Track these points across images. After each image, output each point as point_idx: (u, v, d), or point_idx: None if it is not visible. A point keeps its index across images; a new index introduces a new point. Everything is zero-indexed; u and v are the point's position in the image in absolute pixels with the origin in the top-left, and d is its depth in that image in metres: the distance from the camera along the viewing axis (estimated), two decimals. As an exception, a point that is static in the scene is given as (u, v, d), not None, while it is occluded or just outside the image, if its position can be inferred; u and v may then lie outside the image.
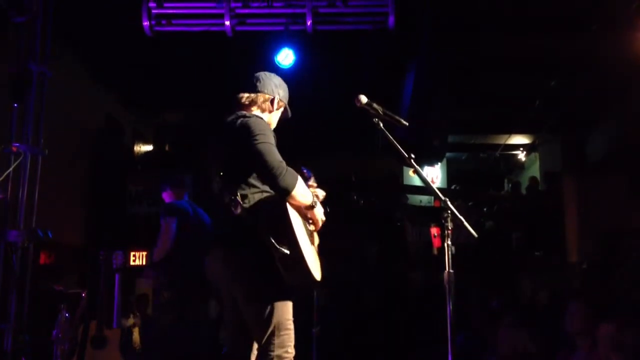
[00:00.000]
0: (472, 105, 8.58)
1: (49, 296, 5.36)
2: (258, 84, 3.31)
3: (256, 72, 3.43)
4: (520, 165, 13.17)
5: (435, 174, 11.91)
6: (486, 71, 7.56)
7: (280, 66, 6.22)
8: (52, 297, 5.11)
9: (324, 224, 3.22)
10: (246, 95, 3.28)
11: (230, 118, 3.15)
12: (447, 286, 2.90)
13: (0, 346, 4.78)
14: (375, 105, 3.19)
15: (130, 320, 5.69)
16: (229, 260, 2.93)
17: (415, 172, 3.23)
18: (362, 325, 5.71)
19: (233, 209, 2.86)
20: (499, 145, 12.26)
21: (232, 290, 2.96)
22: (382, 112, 3.18)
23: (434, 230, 6.14)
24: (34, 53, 5.96)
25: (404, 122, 3.23)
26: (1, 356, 4.79)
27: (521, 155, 12.77)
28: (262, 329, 2.89)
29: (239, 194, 2.90)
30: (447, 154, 9.59)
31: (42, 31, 6.04)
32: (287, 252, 2.79)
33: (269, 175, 2.88)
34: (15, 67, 5.80)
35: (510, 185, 12.58)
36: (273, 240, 2.77)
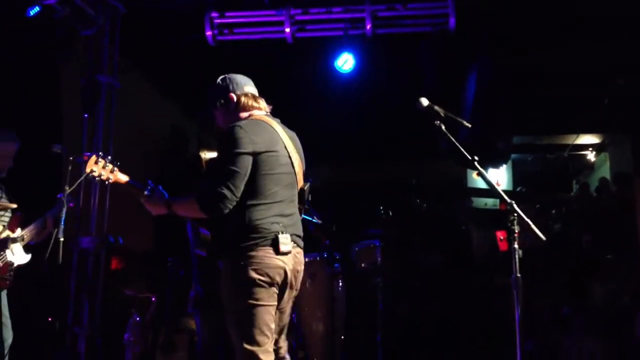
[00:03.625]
0: (537, 105, 8.38)
1: (120, 301, 5.52)
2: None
3: (313, 78, 3.50)
4: (590, 166, 12.76)
5: (500, 176, 11.69)
6: (552, 70, 7.37)
7: (340, 71, 6.24)
8: (124, 301, 5.26)
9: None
10: None
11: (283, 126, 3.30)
12: (514, 291, 2.84)
13: (74, 349, 4.95)
14: (436, 107, 3.16)
15: None
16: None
17: (479, 174, 3.18)
18: (426, 331, 5.65)
19: None
20: (566, 146, 11.92)
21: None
22: (444, 114, 3.15)
23: (500, 234, 6.02)
24: (102, 65, 6.17)
25: (467, 124, 3.19)
26: (75, 359, 4.95)
27: (590, 156, 12.38)
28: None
29: None
30: (513, 156, 9.37)
31: (110, 44, 6.24)
32: None
33: None
34: (84, 79, 6.03)
35: (578, 186, 12.22)
36: None
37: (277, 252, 3.04)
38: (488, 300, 5.90)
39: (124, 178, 3.31)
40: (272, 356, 3.06)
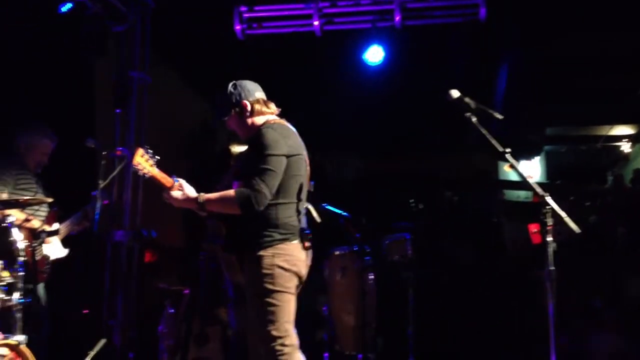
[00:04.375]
0: (571, 96, 8.26)
1: (153, 293, 5.59)
2: None
3: (341, 71, 3.61)
4: (624, 157, 12.53)
5: (533, 169, 11.55)
6: (585, 59, 7.26)
7: (369, 64, 6.21)
8: (157, 294, 5.33)
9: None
10: None
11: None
12: (547, 284, 2.82)
13: (110, 341, 5.03)
14: (467, 99, 3.14)
15: None
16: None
17: (511, 166, 3.16)
18: (458, 324, 5.62)
19: None
20: (600, 137, 11.72)
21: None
22: (475, 106, 3.14)
23: (533, 227, 5.95)
24: (134, 61, 6.24)
25: (498, 116, 3.17)
26: (110, 351, 5.03)
27: (625, 147, 12.15)
28: None
29: None
30: (546, 147, 9.26)
31: (141, 39, 6.31)
32: None
33: None
34: (116, 75, 6.11)
35: (613, 178, 12.01)
36: None
37: (303, 247, 3.32)
38: (521, 294, 5.84)
39: (159, 173, 3.42)
40: (296, 342, 3.24)
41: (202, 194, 3.33)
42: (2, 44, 5.20)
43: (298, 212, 3.36)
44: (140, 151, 3.38)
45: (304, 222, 3.41)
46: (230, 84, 3.48)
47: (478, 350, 5.46)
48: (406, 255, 5.14)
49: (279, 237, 3.24)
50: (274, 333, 3.15)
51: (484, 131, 3.10)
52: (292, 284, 3.26)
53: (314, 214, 3.67)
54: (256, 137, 3.28)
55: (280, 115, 3.51)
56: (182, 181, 3.38)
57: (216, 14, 6.25)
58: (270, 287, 3.18)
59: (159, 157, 3.43)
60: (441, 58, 6.49)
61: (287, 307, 3.21)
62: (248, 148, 3.42)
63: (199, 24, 6.44)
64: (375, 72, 6.39)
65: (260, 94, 3.49)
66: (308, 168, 3.49)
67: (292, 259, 3.24)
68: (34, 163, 4.75)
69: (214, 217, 3.42)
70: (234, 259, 3.49)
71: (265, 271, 3.19)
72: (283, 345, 3.16)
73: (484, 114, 3.16)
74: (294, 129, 3.46)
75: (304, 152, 3.45)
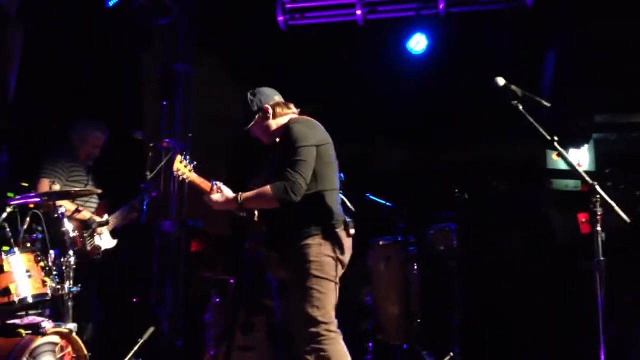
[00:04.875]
0: (621, 81, 8.02)
1: (200, 282, 5.68)
2: None
3: (384, 60, 3.71)
4: (678, 144, 12.15)
5: (581, 157, 11.29)
6: (636, 43, 7.03)
7: (412, 52, 6.15)
8: (203, 283, 5.41)
9: None
10: None
11: None
12: (596, 275, 2.77)
13: (158, 329, 5.14)
14: (513, 87, 3.09)
15: None
16: None
17: (559, 155, 3.09)
18: (504, 316, 5.54)
19: None
20: (652, 123, 11.38)
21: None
22: (521, 93, 3.08)
23: (582, 216, 5.83)
24: (178, 53, 6.32)
25: (545, 103, 3.11)
26: (159, 338, 5.14)
27: (678, 133, 11.78)
28: None
29: None
30: (595, 135, 9.03)
31: (186, 32, 6.39)
32: None
33: None
34: (162, 67, 6.20)
35: (666, 165, 11.67)
36: None
37: (348, 234, 3.38)
38: (569, 284, 5.74)
39: (197, 178, 3.57)
40: (337, 328, 3.28)
41: (240, 193, 3.41)
42: (53, 39, 5.33)
43: (337, 201, 3.44)
44: (179, 157, 3.54)
45: (341, 210, 3.47)
46: (249, 92, 3.59)
47: (525, 342, 5.38)
48: (451, 246, 5.09)
49: (325, 225, 3.29)
50: (320, 318, 3.19)
51: (530, 119, 3.04)
52: (337, 272, 3.31)
53: (348, 204, 3.70)
54: (284, 134, 3.39)
55: (301, 112, 3.61)
56: (220, 184, 3.49)
57: (259, 5, 6.28)
58: (317, 274, 3.24)
59: (196, 162, 3.58)
60: (486, 45, 6.38)
61: (332, 295, 3.26)
62: (279, 145, 3.51)
63: (242, 15, 6.48)
64: (418, 61, 6.33)
65: (278, 97, 3.59)
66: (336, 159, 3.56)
67: (337, 246, 3.30)
68: (85, 155, 4.87)
69: (254, 217, 3.50)
70: (275, 255, 3.53)
71: (312, 259, 3.25)
72: (328, 330, 3.20)
73: (531, 102, 3.10)
74: (318, 123, 3.53)
75: (331, 142, 3.52)
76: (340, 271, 3.35)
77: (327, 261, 3.25)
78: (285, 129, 3.42)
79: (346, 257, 3.37)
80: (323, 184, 3.34)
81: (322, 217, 3.31)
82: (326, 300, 3.23)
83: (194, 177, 3.54)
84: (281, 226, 3.37)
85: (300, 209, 3.27)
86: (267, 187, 3.29)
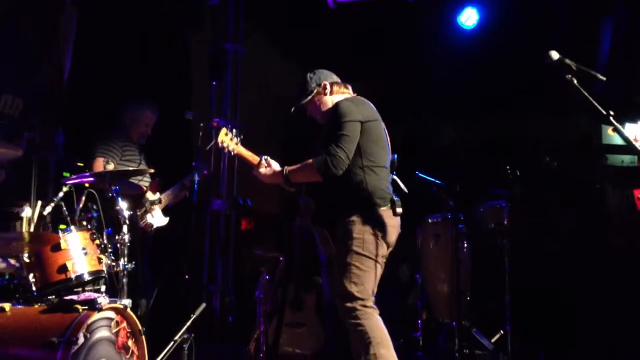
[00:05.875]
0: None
1: (251, 260, 5.76)
2: None
3: (435, 36, 3.65)
4: None
5: (638, 132, 10.95)
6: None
7: (464, 27, 6.04)
8: (254, 260, 5.48)
9: None
10: None
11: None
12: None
13: (210, 305, 5.24)
14: (567, 60, 3.00)
15: None
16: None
17: (615, 130, 3.00)
18: (557, 295, 5.45)
19: None
20: None
21: None
22: (576, 67, 2.99)
23: (639, 192, 5.67)
24: (229, 33, 6.36)
25: (601, 77, 3.01)
26: (210, 314, 5.24)
27: None
28: None
29: None
30: (653, 110, 8.73)
31: (235, 12, 6.41)
32: None
33: None
34: (212, 47, 6.25)
35: None
36: None
37: (395, 213, 3.34)
38: (625, 264, 5.59)
39: (245, 151, 3.60)
40: (374, 304, 3.29)
41: (285, 167, 3.45)
42: (105, 23, 5.43)
43: (387, 179, 3.42)
44: (224, 130, 3.58)
45: (391, 189, 3.44)
46: (309, 72, 3.62)
47: (576, 321, 5.29)
48: (502, 223, 5.01)
49: (370, 202, 3.28)
50: (357, 294, 3.21)
51: (585, 94, 2.95)
52: (380, 251, 3.29)
53: (401, 185, 3.66)
54: (332, 110, 3.42)
55: (357, 93, 3.62)
56: (269, 158, 3.53)
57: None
58: (358, 250, 3.24)
59: (242, 137, 3.60)
60: (539, 18, 6.21)
61: (373, 273, 3.26)
62: (328, 123, 3.51)
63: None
64: (470, 36, 6.22)
65: (336, 78, 3.63)
66: (388, 139, 3.53)
67: (383, 225, 3.28)
68: (137, 134, 4.98)
69: (303, 196, 3.51)
70: (325, 232, 3.54)
71: (355, 235, 3.25)
72: (364, 306, 3.22)
73: (586, 76, 3.01)
74: (368, 102, 3.54)
75: (381, 121, 3.51)
76: (385, 249, 3.33)
77: (369, 239, 3.24)
78: (334, 106, 3.45)
79: (392, 236, 3.35)
80: (369, 160, 3.33)
81: (367, 194, 3.29)
82: (365, 277, 3.23)
83: (241, 149, 3.58)
84: (327, 202, 3.38)
85: (345, 185, 3.29)
86: (310, 161, 3.33)
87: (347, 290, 3.22)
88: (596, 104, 2.92)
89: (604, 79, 3.00)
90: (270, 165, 3.50)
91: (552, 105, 6.02)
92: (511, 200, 5.07)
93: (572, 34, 5.74)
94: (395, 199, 3.36)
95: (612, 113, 2.91)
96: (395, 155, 3.59)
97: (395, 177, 3.62)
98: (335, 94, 3.56)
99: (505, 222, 5.00)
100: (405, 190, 3.64)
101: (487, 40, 6.21)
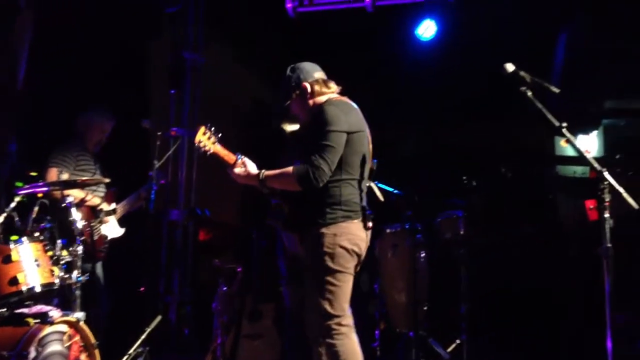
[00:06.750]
0: (632, 66, 7.92)
1: (208, 270, 5.69)
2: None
3: (394, 47, 3.57)
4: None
5: (590, 143, 11.20)
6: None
7: (421, 39, 6.11)
8: (211, 271, 5.42)
9: None
10: None
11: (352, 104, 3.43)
12: (604, 261, 2.75)
13: (166, 318, 5.17)
14: (522, 73, 3.06)
15: None
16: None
17: (568, 141, 3.06)
18: (512, 303, 5.53)
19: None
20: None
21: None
22: (530, 79, 3.05)
23: (590, 203, 5.79)
24: (187, 42, 6.31)
25: (554, 89, 3.08)
26: (166, 327, 5.16)
27: (691, 119, 11.65)
28: None
29: None
30: (604, 121, 8.94)
31: (194, 20, 6.37)
32: None
33: None
34: (171, 56, 6.20)
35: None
36: None
37: (365, 226, 3.28)
38: (577, 271, 5.71)
39: (221, 150, 3.43)
40: (351, 322, 3.23)
41: (263, 170, 3.34)
42: (61, 29, 5.33)
43: (360, 189, 3.31)
44: (203, 129, 3.40)
45: (365, 201, 3.36)
46: (289, 68, 3.46)
47: (531, 329, 5.37)
48: (458, 233, 5.08)
49: (342, 215, 3.19)
50: (331, 311, 3.13)
51: (539, 105, 3.01)
52: (352, 264, 3.23)
53: (377, 192, 3.62)
54: (317, 114, 3.25)
55: (341, 93, 3.47)
56: (245, 158, 3.39)
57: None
58: (330, 265, 3.15)
59: (221, 134, 3.43)
60: (497, 29, 6.33)
61: (346, 287, 3.19)
62: (309, 125, 3.37)
63: (251, 2, 6.45)
64: (427, 47, 6.29)
65: (319, 74, 3.45)
66: (370, 146, 3.44)
67: (354, 238, 3.20)
68: (92, 143, 4.88)
69: (276, 197, 3.41)
70: (296, 238, 3.46)
71: (326, 249, 3.16)
72: (340, 324, 3.14)
73: (540, 88, 3.07)
74: (356, 106, 3.42)
75: (367, 129, 3.40)
76: (356, 262, 3.26)
77: (342, 253, 3.16)
78: (319, 108, 3.28)
79: (362, 249, 3.28)
80: (348, 173, 3.24)
81: (340, 206, 3.20)
82: (339, 292, 3.16)
83: (217, 148, 3.40)
84: (302, 211, 3.27)
85: (320, 195, 3.19)
86: (290, 169, 3.19)
87: (321, 307, 3.14)
88: (549, 116, 2.98)
89: (558, 91, 3.07)
90: (246, 166, 3.37)
91: (510, 115, 6.13)
92: (467, 210, 5.14)
93: (529, 44, 5.86)
94: (368, 212, 3.29)
95: (565, 124, 2.97)
96: (375, 160, 3.49)
97: (372, 185, 3.57)
98: (317, 95, 3.37)
99: (462, 232, 5.07)
100: (382, 198, 3.60)
101: (445, 51, 6.29)
